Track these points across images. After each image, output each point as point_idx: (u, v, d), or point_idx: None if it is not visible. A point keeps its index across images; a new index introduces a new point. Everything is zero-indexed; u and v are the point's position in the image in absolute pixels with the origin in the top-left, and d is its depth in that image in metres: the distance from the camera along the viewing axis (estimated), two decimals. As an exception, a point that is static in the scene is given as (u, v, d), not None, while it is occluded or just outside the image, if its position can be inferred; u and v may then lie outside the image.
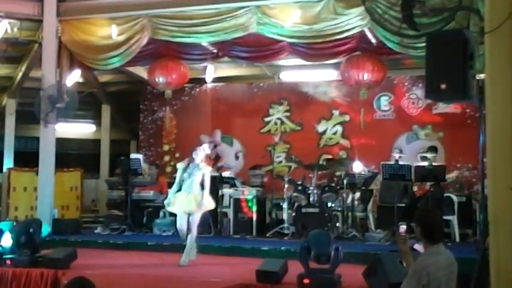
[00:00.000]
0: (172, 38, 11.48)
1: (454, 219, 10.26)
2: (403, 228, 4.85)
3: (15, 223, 9.11)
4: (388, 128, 13.32)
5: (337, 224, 11.02)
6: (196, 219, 8.84)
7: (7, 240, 8.72)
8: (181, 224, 8.90)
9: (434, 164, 10.49)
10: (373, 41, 10.99)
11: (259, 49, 11.92)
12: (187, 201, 8.79)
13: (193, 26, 11.01)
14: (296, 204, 11.21)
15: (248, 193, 11.76)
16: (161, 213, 11.85)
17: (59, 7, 11.81)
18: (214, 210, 11.56)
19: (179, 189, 8.98)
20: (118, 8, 11.55)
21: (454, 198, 10.53)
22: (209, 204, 9.10)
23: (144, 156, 13.90)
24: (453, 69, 5.51)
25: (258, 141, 14.10)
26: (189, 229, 8.81)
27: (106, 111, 16.32)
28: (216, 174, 11.91)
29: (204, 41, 11.55)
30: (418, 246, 5.88)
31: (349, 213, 11.06)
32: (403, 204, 10.40)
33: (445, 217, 9.74)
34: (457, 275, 4.57)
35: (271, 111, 14.34)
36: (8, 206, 12.91)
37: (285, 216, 11.22)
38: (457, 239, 10.19)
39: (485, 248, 5.71)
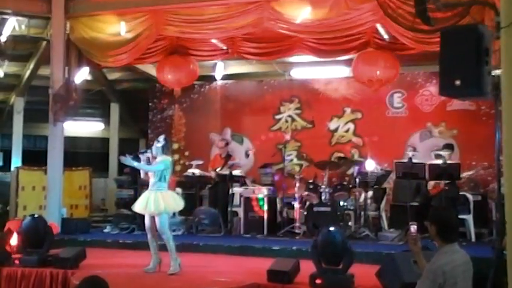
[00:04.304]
0: (181, 35, 11.51)
1: (469, 218, 10.19)
2: (414, 227, 4.83)
3: (23, 222, 9.11)
4: (401, 126, 13.26)
5: (350, 223, 11.00)
6: (162, 221, 8.14)
7: (16, 240, 8.76)
8: (147, 224, 8.36)
9: (448, 162, 10.44)
10: (386, 36, 10.94)
11: (269, 45, 11.91)
12: (148, 201, 8.18)
13: (203, 22, 11.00)
14: (307, 203, 11.20)
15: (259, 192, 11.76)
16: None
17: (67, 4, 11.81)
18: (225, 209, 11.61)
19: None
20: (126, 4, 11.56)
21: (470, 197, 10.46)
22: (171, 205, 8.42)
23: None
24: (468, 65, 5.46)
25: (268, 139, 14.09)
26: (158, 232, 8.22)
27: (115, 109, 16.37)
28: (227, 172, 11.94)
29: (214, 37, 11.55)
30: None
31: (362, 212, 11.04)
32: (416, 203, 10.38)
33: (460, 216, 9.71)
34: (473, 275, 4.55)
35: (281, 108, 14.31)
36: (17, 206, 12.93)
37: (296, 215, 11.22)
38: (473, 239, 10.13)
39: (501, 248, 5.67)
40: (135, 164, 8.32)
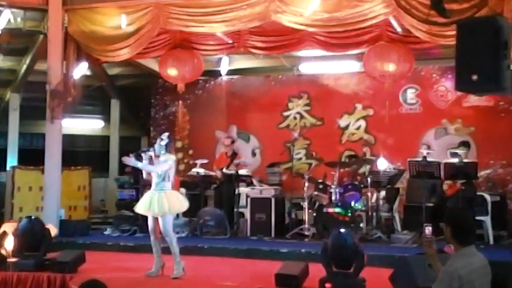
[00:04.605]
0: (185, 28, 11.48)
1: (487, 219, 10.17)
2: (428, 229, 4.82)
3: (19, 225, 9.13)
4: (415, 123, 13.23)
5: (361, 225, 10.97)
6: (166, 223, 8.16)
7: (11, 243, 8.77)
8: (150, 226, 8.37)
9: (465, 160, 10.41)
10: (399, 29, 10.92)
11: (277, 39, 11.92)
12: (151, 201, 8.18)
13: (208, 15, 10.99)
14: (317, 204, 11.20)
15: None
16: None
17: (65, -4, 11.84)
18: (230, 210, 11.62)
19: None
20: (127, -5, 11.58)
21: (487, 197, 10.44)
22: (176, 206, 8.42)
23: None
24: (486, 59, 5.45)
25: (276, 137, 14.08)
26: (161, 234, 8.25)
27: (115, 106, 16.37)
28: (233, 172, 11.94)
29: (219, 30, 11.54)
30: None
31: (374, 214, 11.02)
32: (431, 204, 10.37)
33: (477, 218, 9.66)
34: (491, 280, 4.53)
35: (290, 105, 14.31)
36: (12, 207, 12.94)
37: (305, 216, 11.21)
38: (491, 241, 10.12)
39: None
40: (140, 164, 8.33)
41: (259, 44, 12.17)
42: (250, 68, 14.81)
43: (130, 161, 8.37)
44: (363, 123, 13.76)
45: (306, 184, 11.37)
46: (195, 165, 12.89)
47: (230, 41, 12.25)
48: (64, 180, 12.40)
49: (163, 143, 8.30)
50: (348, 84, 13.90)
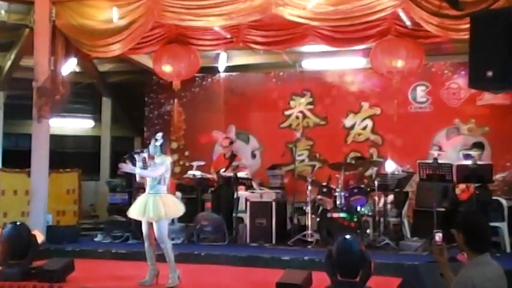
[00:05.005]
0: (180, 22, 11.46)
1: (503, 226, 10.15)
2: (439, 236, 4.79)
3: (4, 231, 9.11)
4: (426, 122, 13.22)
5: (368, 231, 10.98)
6: (161, 228, 8.14)
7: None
8: (144, 231, 8.35)
9: (479, 162, 10.39)
10: (408, 23, 10.91)
11: (278, 34, 11.90)
12: (146, 206, 8.15)
13: (205, 8, 10.96)
14: (321, 209, 11.19)
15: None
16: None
17: (53, -13, 11.83)
18: (229, 215, 11.61)
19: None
20: (119, -13, 11.56)
21: (503, 202, 10.41)
22: (172, 210, 8.40)
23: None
24: (501, 53, 5.44)
25: (277, 138, 14.08)
26: (156, 240, 8.26)
27: (107, 104, 16.37)
28: (231, 174, 11.93)
29: (217, 24, 11.53)
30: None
31: (381, 219, 11.03)
32: (443, 209, 10.34)
33: (492, 224, 9.63)
34: (508, 290, 4.51)
35: (292, 103, 14.31)
36: (-4, 212, 12.98)
37: (308, 222, 11.20)
38: (508, 249, 10.10)
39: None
40: (137, 171, 8.26)
41: (259, 39, 12.16)
42: (250, 65, 14.79)
43: (128, 167, 8.35)
44: (369, 122, 13.76)
45: (309, 187, 11.36)
46: (191, 167, 12.88)
47: (228, 36, 12.24)
48: (52, 183, 12.37)
49: (158, 143, 8.27)
50: (353, 82, 13.89)
